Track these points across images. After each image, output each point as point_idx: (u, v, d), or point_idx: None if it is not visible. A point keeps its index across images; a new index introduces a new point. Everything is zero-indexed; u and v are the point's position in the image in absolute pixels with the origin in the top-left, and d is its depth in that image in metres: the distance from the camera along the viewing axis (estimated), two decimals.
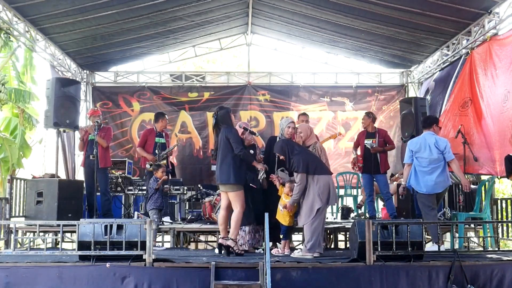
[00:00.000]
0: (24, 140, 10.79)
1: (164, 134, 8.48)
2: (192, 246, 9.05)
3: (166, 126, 8.63)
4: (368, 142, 8.10)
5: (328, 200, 5.85)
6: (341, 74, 11.95)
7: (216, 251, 6.41)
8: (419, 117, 9.30)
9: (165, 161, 8.18)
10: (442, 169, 6.24)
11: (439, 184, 6.24)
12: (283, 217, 6.07)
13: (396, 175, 9.65)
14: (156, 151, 8.11)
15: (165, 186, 7.65)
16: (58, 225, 5.72)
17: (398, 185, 8.82)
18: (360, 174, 9.90)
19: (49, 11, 8.34)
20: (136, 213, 8.19)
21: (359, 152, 8.36)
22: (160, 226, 7.53)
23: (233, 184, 5.91)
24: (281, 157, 5.99)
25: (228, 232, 6.06)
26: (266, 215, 5.28)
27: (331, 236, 8.12)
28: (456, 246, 5.71)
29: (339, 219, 9.22)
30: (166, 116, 8.66)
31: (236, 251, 5.94)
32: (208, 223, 8.04)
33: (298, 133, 6.21)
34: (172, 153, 8.63)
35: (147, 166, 8.08)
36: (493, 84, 7.90)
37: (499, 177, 7.72)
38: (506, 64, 7.56)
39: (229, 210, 6.06)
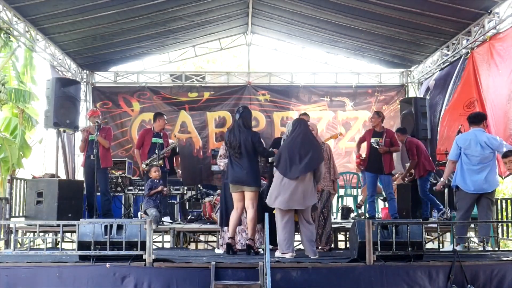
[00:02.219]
0: (24, 140, 10.78)
1: (162, 134, 8.47)
2: (192, 246, 9.04)
3: (164, 126, 8.58)
4: (374, 141, 8.02)
5: (268, 199, 5.80)
6: (341, 74, 11.96)
7: (217, 251, 6.41)
8: (419, 117, 9.32)
9: (161, 162, 8.12)
10: (492, 168, 5.98)
11: (490, 183, 5.98)
12: None
13: (396, 175, 9.64)
14: (156, 151, 8.11)
15: (164, 189, 7.69)
16: (58, 225, 5.71)
17: (398, 185, 8.86)
18: (360, 174, 9.95)
19: (49, 11, 8.35)
20: (139, 213, 8.17)
21: (362, 149, 8.29)
22: (160, 226, 7.53)
23: (258, 186, 6.06)
24: None
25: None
26: (266, 215, 5.27)
27: (331, 236, 8.11)
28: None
29: (339, 219, 9.22)
30: (164, 116, 8.65)
31: (256, 250, 6.06)
32: (208, 223, 8.04)
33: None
34: (169, 154, 8.54)
35: (143, 165, 8.16)
36: (496, 84, 7.90)
37: (502, 177, 7.71)
38: (509, 64, 7.52)
39: (243, 210, 6.14)
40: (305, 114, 8.26)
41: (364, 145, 8.48)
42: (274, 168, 5.92)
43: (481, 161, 5.96)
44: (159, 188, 7.66)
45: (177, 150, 9.68)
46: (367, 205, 8.35)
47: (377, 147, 7.97)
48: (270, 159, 6.37)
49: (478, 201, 6.18)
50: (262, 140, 6.22)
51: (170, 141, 8.79)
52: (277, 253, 5.84)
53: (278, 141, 6.76)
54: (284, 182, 5.73)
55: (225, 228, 6.51)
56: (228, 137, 6.13)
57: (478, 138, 6.00)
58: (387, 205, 8.66)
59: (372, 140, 8.08)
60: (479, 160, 5.96)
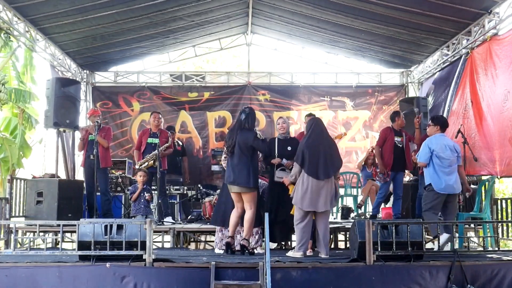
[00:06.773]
0: (24, 140, 10.78)
1: (160, 133, 8.34)
2: (192, 246, 9.05)
3: (158, 124, 8.43)
4: (398, 140, 7.88)
5: (307, 204, 5.76)
6: (341, 74, 11.95)
7: (217, 251, 6.41)
8: (421, 117, 9.29)
9: (152, 162, 8.00)
10: (456, 171, 6.29)
11: (457, 185, 6.28)
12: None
13: None
14: (156, 151, 8.08)
15: (147, 194, 7.57)
16: (58, 225, 5.72)
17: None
18: (360, 174, 9.95)
19: (49, 11, 8.34)
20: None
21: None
22: (160, 226, 7.53)
23: (253, 187, 5.98)
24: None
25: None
26: (266, 215, 5.28)
27: (331, 236, 8.12)
28: (456, 246, 5.71)
29: (339, 219, 9.22)
30: (156, 114, 8.53)
31: (250, 250, 6.03)
32: (208, 223, 8.04)
33: None
34: (164, 154, 8.28)
35: (136, 167, 8.15)
36: (493, 84, 7.91)
37: (499, 177, 7.72)
38: (506, 64, 7.56)
39: (243, 210, 6.11)
40: (310, 115, 8.10)
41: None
42: (294, 169, 5.90)
43: (450, 164, 6.25)
44: (137, 192, 7.51)
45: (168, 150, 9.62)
46: (375, 203, 8.21)
47: (400, 146, 7.87)
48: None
49: (445, 203, 6.31)
50: (258, 136, 6.18)
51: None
52: (289, 253, 5.90)
53: (273, 141, 6.73)
54: (310, 184, 5.74)
55: (217, 227, 6.59)
56: (227, 136, 6.19)
57: (447, 142, 6.33)
58: (387, 205, 8.64)
59: (397, 138, 7.90)
60: (449, 163, 6.24)
